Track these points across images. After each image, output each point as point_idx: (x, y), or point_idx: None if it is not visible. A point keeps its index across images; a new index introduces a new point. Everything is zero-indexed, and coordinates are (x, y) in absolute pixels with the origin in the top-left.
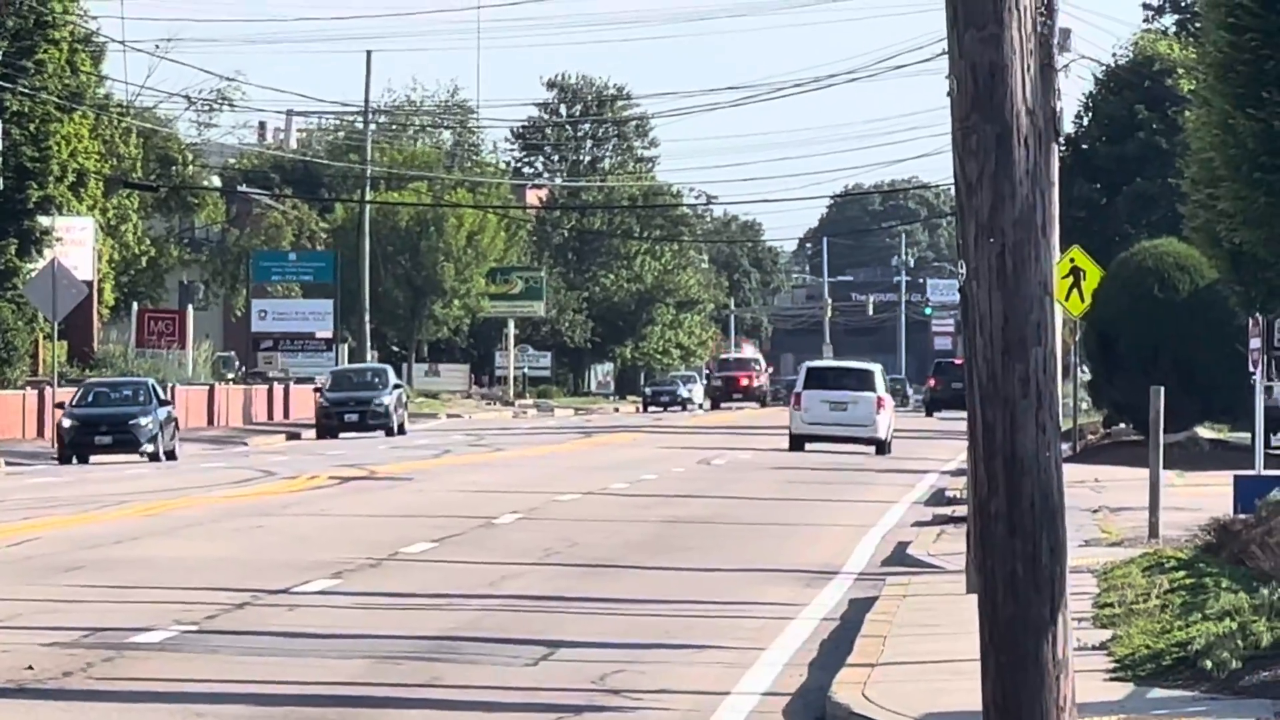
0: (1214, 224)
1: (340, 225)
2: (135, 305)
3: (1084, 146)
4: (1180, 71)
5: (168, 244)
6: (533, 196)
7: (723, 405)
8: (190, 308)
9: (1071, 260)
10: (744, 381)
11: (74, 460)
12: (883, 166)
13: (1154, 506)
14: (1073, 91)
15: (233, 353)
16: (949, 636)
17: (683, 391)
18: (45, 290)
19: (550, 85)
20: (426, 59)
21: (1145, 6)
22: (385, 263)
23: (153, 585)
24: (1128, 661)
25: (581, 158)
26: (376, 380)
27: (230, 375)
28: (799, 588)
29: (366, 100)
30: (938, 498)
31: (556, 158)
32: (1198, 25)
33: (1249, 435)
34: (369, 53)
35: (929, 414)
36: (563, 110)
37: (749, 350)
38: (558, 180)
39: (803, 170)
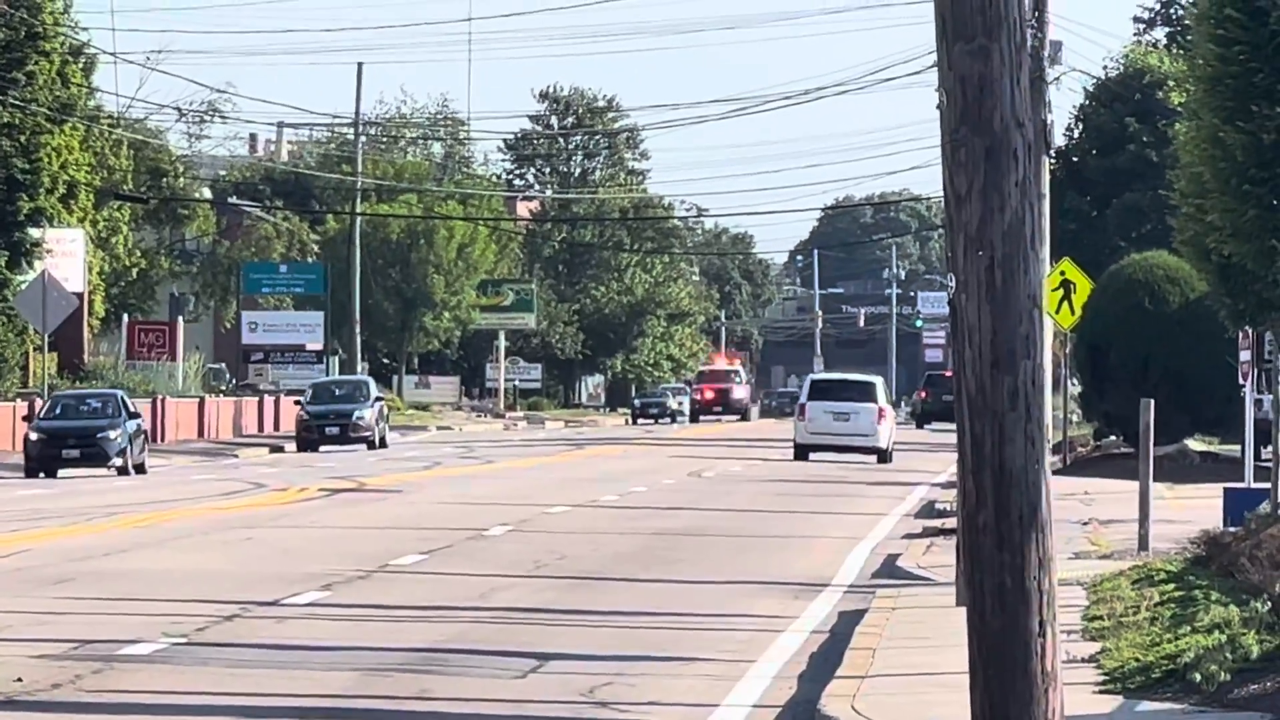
0: (1203, 237)
1: (331, 237)
2: (126, 317)
3: (1075, 159)
4: (1171, 84)
5: (158, 256)
6: (524, 209)
7: (701, 419)
8: (181, 320)
9: (1062, 273)
10: (719, 393)
11: (40, 475)
12: (874, 179)
13: (1144, 519)
14: (1064, 104)
15: (223, 365)
16: (938, 649)
17: (672, 403)
18: (35, 302)
19: (541, 97)
20: (417, 71)
21: (1136, 20)
22: (376, 275)
23: (142, 597)
24: (1117, 674)
25: (572, 170)
26: (358, 393)
27: (222, 388)
28: (788, 600)
29: (357, 112)
30: (928, 510)
31: (547, 170)
32: (1188, 38)
33: (1239, 448)
34: (360, 64)
35: (919, 426)
36: (554, 122)
37: (719, 362)
38: (548, 192)
39: (793, 183)
